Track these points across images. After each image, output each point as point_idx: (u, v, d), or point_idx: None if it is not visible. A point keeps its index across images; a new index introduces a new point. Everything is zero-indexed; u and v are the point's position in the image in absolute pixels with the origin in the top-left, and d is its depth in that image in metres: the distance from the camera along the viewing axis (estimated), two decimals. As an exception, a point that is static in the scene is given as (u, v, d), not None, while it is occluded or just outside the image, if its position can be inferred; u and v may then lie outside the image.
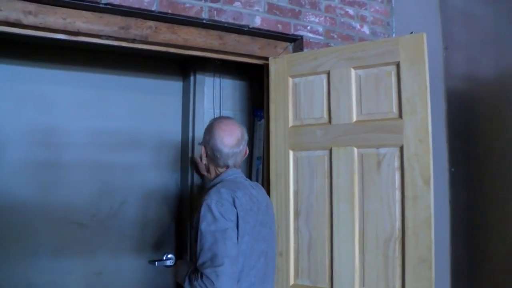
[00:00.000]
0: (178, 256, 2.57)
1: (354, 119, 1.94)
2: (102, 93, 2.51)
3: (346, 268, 1.91)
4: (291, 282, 2.06)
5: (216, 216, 1.63)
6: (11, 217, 2.28)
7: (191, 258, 1.83)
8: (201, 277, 1.56)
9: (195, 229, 1.70)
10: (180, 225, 2.68)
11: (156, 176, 2.62)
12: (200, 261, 1.60)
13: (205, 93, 2.64)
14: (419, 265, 1.75)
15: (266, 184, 2.19)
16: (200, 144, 1.83)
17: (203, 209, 1.64)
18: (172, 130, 2.69)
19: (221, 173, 1.84)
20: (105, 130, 2.50)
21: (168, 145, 2.66)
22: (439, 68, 2.36)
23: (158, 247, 2.60)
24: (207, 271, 1.56)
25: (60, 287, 2.37)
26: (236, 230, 1.66)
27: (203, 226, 1.62)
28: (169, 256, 2.54)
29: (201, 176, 1.87)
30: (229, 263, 1.59)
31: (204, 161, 1.84)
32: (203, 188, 2.56)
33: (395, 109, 1.85)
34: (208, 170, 1.86)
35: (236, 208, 1.68)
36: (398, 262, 1.81)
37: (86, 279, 2.43)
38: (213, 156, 1.81)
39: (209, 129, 1.83)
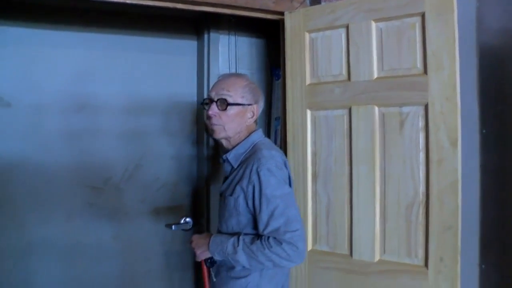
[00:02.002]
0: (195, 221, 2.53)
1: (375, 75, 1.80)
2: (114, 55, 2.43)
3: (366, 234, 1.82)
4: (309, 247, 1.99)
5: (279, 180, 1.59)
6: (25, 181, 2.27)
7: (221, 223, 1.76)
8: (280, 243, 1.51)
9: (237, 194, 1.64)
10: (196, 188, 2.63)
11: (171, 139, 2.56)
12: (271, 228, 1.55)
13: (220, 52, 2.54)
14: (444, 233, 1.65)
15: (283, 145, 2.10)
16: (242, 105, 1.71)
17: (264, 174, 1.57)
18: (187, 92, 2.60)
19: (250, 134, 1.76)
20: (117, 93, 2.43)
21: (183, 107, 2.58)
22: (470, 20, 2.17)
23: (175, 211, 2.56)
24: (288, 236, 1.52)
25: (76, 251, 2.37)
26: (293, 193, 1.65)
27: (269, 191, 1.56)
28: (187, 220, 2.51)
29: (215, 138, 1.78)
30: (302, 228, 1.57)
31: (248, 122, 1.74)
32: (218, 150, 2.49)
33: (419, 64, 1.71)
34: (238, 131, 1.74)
35: (287, 169, 1.66)
36: (421, 228, 1.71)
37: (102, 242, 2.42)
38: (256, 117, 1.77)
39: (254, 88, 1.76)
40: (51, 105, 2.30)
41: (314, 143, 1.98)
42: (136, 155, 2.47)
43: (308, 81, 1.99)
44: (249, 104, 1.73)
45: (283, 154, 1.74)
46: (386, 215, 1.78)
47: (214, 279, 1.78)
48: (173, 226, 2.44)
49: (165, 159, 2.55)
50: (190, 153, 2.62)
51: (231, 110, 1.70)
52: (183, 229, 2.49)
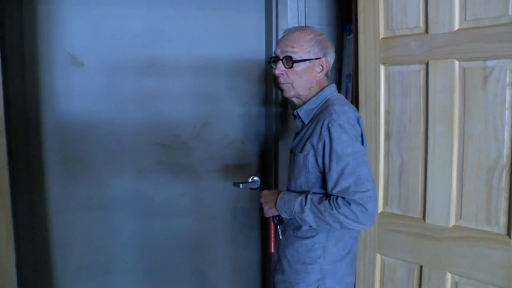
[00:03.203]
0: (263, 179, 2.52)
1: (456, 27, 1.63)
2: (180, 13, 2.39)
3: (441, 197, 1.71)
4: (380, 209, 1.92)
5: (351, 137, 1.51)
6: (99, 140, 2.34)
7: (290, 181, 1.73)
8: (349, 204, 1.46)
9: (306, 151, 1.59)
10: (264, 147, 2.61)
11: (239, 96, 2.53)
12: (340, 187, 1.49)
13: (289, 6, 2.42)
14: (530, 199, 1.51)
15: (355, 103, 2.01)
16: (308, 60, 1.63)
17: (336, 130, 1.51)
18: (255, 49, 2.53)
19: (322, 89, 1.69)
20: (185, 52, 2.41)
21: (251, 64, 2.53)
22: None
23: (242, 169, 2.56)
24: (357, 197, 1.46)
25: (144, 207, 2.44)
26: (366, 152, 1.57)
27: (340, 148, 1.49)
28: (255, 178, 2.51)
29: (285, 97, 1.73)
30: (373, 188, 1.50)
31: (318, 76, 1.67)
32: (287, 108, 2.45)
33: (511, 12, 1.52)
34: (309, 87, 1.68)
35: (360, 126, 1.58)
36: (504, 194, 1.57)
37: (170, 199, 2.47)
38: (327, 70, 1.68)
39: (321, 40, 1.66)
40: (121, 64, 2.32)
41: (387, 100, 1.87)
42: (204, 112, 2.47)
43: (381, 35, 1.86)
44: (316, 58, 1.64)
45: (356, 110, 1.65)
46: (464, 178, 1.66)
47: (281, 237, 1.77)
48: (240, 185, 2.44)
49: (233, 116, 2.53)
50: (258, 111, 2.58)
51: (298, 66, 1.63)
52: (250, 188, 2.49)
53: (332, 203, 1.49)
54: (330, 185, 1.52)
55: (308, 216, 1.54)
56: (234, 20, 2.48)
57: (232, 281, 2.66)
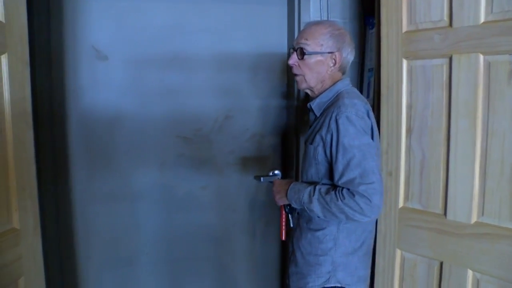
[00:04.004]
0: (284, 173, 2.52)
1: (482, 20, 1.60)
2: (203, 7, 2.41)
3: (463, 193, 1.69)
4: (400, 204, 1.91)
5: (359, 129, 1.52)
6: (122, 132, 2.38)
7: (302, 173, 1.75)
8: (353, 195, 1.47)
9: (316, 143, 1.61)
10: (285, 140, 2.61)
11: (261, 90, 2.54)
12: (345, 178, 1.51)
13: (311, 0, 2.42)
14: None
15: (376, 97, 1.99)
16: (320, 53, 1.65)
17: (343, 122, 1.52)
18: (277, 42, 2.53)
19: (335, 83, 1.70)
20: (207, 45, 2.43)
21: (273, 57, 2.53)
22: None
23: (263, 163, 2.57)
24: (362, 189, 1.47)
25: (166, 199, 2.48)
26: (374, 145, 1.56)
27: (346, 140, 1.51)
28: (276, 172, 2.48)
29: (299, 88, 1.76)
30: (379, 181, 1.50)
31: (330, 70, 1.68)
32: (307, 101, 2.43)
33: (539, 4, 1.48)
34: (321, 80, 1.69)
35: (370, 119, 1.58)
36: (528, 191, 1.54)
37: (191, 192, 2.50)
38: (341, 64, 1.69)
39: (337, 35, 1.66)
40: (144, 58, 2.35)
41: (409, 95, 1.86)
42: (226, 106, 2.49)
43: (404, 29, 1.84)
44: (329, 52, 1.65)
45: (367, 103, 1.64)
46: (487, 174, 1.63)
47: (292, 225, 1.83)
48: (261, 178, 2.43)
49: (254, 110, 2.54)
50: (280, 105, 2.58)
51: (310, 59, 1.66)
52: (271, 182, 2.50)
53: (337, 194, 1.51)
54: (336, 176, 1.54)
55: (316, 207, 1.56)
56: (256, 14, 2.49)
57: (251, 273, 2.69)
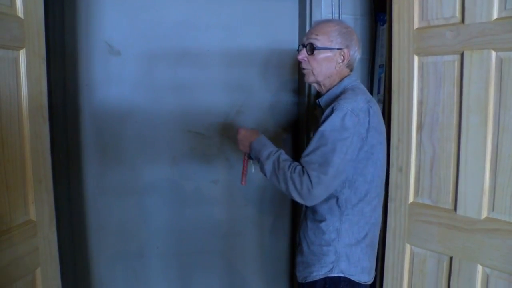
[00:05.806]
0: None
1: (495, 16, 1.60)
2: (215, 2, 2.43)
3: (473, 189, 1.70)
4: (410, 199, 1.92)
5: (345, 126, 1.55)
6: (134, 127, 2.40)
7: None
8: (302, 174, 1.53)
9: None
10: (296, 136, 2.63)
11: (272, 86, 2.55)
12: (308, 158, 1.56)
13: (323, -5, 2.44)
14: None
15: (387, 93, 2.01)
16: (330, 49, 1.69)
17: (336, 113, 1.56)
18: (288, 39, 2.55)
19: (342, 79, 1.73)
20: (219, 41, 2.45)
21: (284, 54, 2.54)
22: None
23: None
24: (313, 174, 1.52)
25: (177, 193, 2.51)
26: (359, 145, 1.59)
27: (328, 129, 1.55)
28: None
29: (306, 82, 1.80)
30: (333, 176, 1.54)
31: (339, 66, 1.71)
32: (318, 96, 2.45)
33: (552, 1, 1.49)
34: (328, 76, 1.73)
35: (370, 116, 1.60)
36: (538, 187, 1.55)
37: (203, 186, 2.53)
38: (349, 60, 1.73)
39: (345, 33, 1.70)
40: (157, 54, 2.37)
41: (420, 91, 1.86)
42: (237, 101, 2.50)
43: (416, 25, 1.85)
44: (338, 49, 1.69)
45: (372, 100, 1.66)
46: (498, 170, 1.64)
47: (253, 171, 1.92)
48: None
49: (266, 106, 2.55)
50: (291, 100, 2.60)
51: (319, 54, 1.70)
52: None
53: (292, 165, 1.57)
54: (303, 153, 1.59)
55: (268, 165, 1.63)
56: (268, 10, 2.51)
57: (261, 267, 2.71)
